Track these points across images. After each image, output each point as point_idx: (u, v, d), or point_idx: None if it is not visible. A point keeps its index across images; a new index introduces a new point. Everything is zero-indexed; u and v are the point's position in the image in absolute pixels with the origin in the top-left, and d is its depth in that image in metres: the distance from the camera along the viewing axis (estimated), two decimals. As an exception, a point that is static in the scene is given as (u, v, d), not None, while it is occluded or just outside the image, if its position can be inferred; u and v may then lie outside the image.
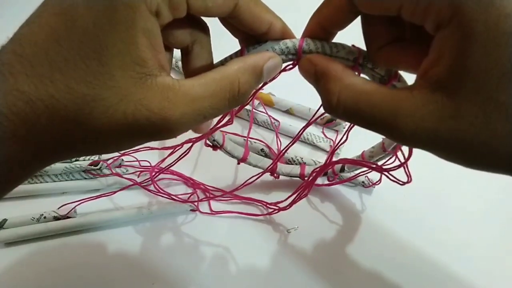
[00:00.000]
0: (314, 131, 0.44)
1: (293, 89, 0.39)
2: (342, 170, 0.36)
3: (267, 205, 0.38)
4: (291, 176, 0.38)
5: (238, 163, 0.36)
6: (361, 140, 0.33)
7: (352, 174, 0.38)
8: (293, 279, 0.35)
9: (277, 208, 0.37)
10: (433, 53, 0.18)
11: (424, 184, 0.38)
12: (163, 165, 0.39)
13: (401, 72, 0.23)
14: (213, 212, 0.38)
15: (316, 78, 0.21)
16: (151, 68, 0.18)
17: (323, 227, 0.38)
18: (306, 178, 0.37)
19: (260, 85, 0.25)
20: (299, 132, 0.32)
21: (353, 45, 0.22)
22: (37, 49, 0.17)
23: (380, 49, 0.21)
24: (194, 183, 0.40)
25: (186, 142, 0.34)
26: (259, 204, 0.39)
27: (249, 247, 0.37)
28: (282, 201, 0.37)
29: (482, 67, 0.16)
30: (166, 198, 0.38)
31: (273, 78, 0.24)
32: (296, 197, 0.36)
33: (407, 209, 0.39)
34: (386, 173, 0.31)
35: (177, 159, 0.35)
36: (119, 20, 0.17)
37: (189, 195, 0.39)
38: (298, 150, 0.43)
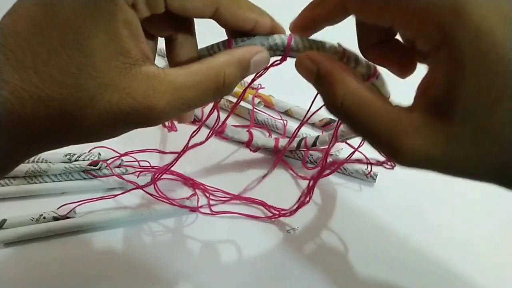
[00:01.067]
0: (312, 134, 0.44)
1: (293, 91, 0.39)
2: (314, 144, 0.36)
3: (269, 209, 0.38)
4: (266, 148, 0.39)
5: (216, 134, 0.37)
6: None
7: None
8: (294, 279, 0.35)
9: (277, 214, 0.37)
10: (428, 75, 0.18)
11: (427, 181, 0.39)
12: (162, 162, 0.39)
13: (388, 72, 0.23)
14: (213, 213, 0.38)
15: (318, 77, 0.21)
16: (135, 57, 0.18)
17: (323, 226, 0.38)
18: (278, 151, 0.38)
19: (251, 81, 0.25)
20: (295, 131, 0.33)
21: (338, 44, 0.22)
22: (19, 39, 0.17)
23: (369, 47, 0.22)
24: (194, 183, 0.40)
25: (191, 147, 0.34)
26: (261, 206, 0.39)
27: (249, 247, 0.37)
28: (286, 210, 0.37)
29: (473, 94, 0.16)
30: (166, 202, 0.37)
31: (261, 74, 0.24)
32: (299, 203, 0.36)
33: (409, 206, 0.39)
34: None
35: (175, 158, 0.35)
36: (100, 12, 0.17)
37: (189, 195, 0.39)
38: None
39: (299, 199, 0.36)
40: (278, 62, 0.23)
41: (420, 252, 0.37)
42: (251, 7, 0.21)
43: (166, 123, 0.44)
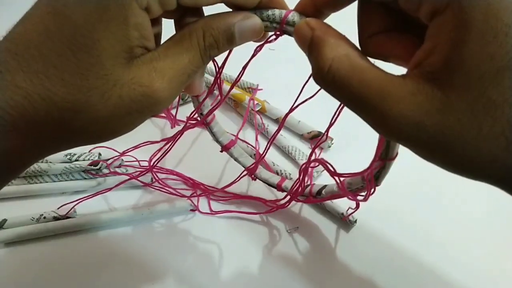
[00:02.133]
0: (301, 147, 0.43)
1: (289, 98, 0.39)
2: (319, 193, 0.34)
3: (266, 203, 0.38)
4: (268, 184, 0.37)
5: (221, 151, 0.36)
6: (345, 160, 0.32)
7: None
8: (294, 279, 0.35)
9: (275, 206, 0.37)
10: (427, 42, 0.17)
11: (421, 188, 0.38)
12: (162, 162, 0.39)
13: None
14: (213, 212, 0.38)
15: (311, 43, 0.20)
16: (136, 51, 0.19)
17: (324, 226, 0.38)
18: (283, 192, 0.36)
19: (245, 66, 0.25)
20: (273, 134, 0.33)
21: None
22: (31, 46, 0.18)
23: (371, 37, 0.21)
24: (194, 183, 0.40)
25: (181, 132, 0.33)
26: (258, 202, 0.39)
27: (250, 247, 0.37)
28: (281, 199, 0.37)
29: (477, 61, 0.15)
30: (165, 192, 0.37)
31: (256, 52, 0.24)
32: (293, 195, 0.35)
33: (404, 212, 0.39)
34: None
35: (171, 143, 0.35)
36: (111, 17, 0.18)
37: (189, 194, 0.39)
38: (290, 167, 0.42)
39: (291, 188, 0.35)
40: (274, 38, 0.23)
41: (416, 256, 0.37)
42: None
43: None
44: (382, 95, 0.17)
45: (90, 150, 0.40)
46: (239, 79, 0.28)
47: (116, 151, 0.41)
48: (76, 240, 0.36)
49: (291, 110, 0.28)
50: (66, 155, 0.39)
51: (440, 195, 0.40)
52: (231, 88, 0.30)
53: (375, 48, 0.21)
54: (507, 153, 0.16)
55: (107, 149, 0.41)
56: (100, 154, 0.39)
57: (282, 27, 0.22)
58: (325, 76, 0.19)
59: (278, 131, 0.32)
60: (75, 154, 0.39)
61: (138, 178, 0.39)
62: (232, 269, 0.35)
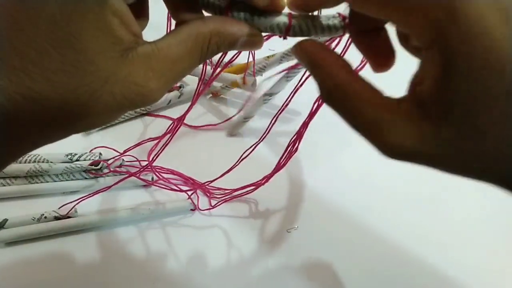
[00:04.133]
0: None
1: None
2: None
3: (256, 184, 0.38)
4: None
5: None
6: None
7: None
8: (294, 279, 0.35)
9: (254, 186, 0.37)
10: (419, 70, 0.18)
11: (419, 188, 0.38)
12: (162, 162, 0.39)
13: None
14: (212, 207, 0.38)
15: (310, 67, 0.21)
16: (128, 42, 0.18)
17: (324, 226, 0.38)
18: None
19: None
20: None
21: (338, 13, 0.22)
22: (3, 41, 0.16)
23: (358, 34, 0.21)
24: (194, 183, 0.40)
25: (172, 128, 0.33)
26: (247, 188, 0.39)
27: (250, 246, 0.37)
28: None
29: (463, 95, 0.16)
30: (165, 188, 0.37)
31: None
32: (287, 155, 0.35)
33: (402, 213, 0.39)
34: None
35: (168, 138, 0.35)
36: (87, 6, 0.17)
37: (189, 194, 0.39)
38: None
39: (287, 148, 0.35)
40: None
41: (418, 250, 0.37)
42: None
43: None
44: (379, 119, 0.18)
45: (91, 150, 0.40)
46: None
47: (116, 151, 0.41)
48: (76, 240, 0.36)
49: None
50: (67, 155, 0.39)
51: (438, 196, 0.40)
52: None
53: (358, 44, 0.22)
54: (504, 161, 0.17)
55: (107, 149, 0.41)
56: (101, 154, 0.39)
57: (287, 36, 0.22)
58: (329, 102, 0.20)
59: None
60: (76, 154, 0.39)
61: (139, 176, 0.39)
62: (232, 269, 0.36)
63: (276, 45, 0.25)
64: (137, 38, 0.19)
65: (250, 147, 0.36)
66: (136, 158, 0.41)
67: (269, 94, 0.41)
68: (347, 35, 0.23)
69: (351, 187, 0.41)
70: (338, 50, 0.26)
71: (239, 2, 0.22)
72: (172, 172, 0.40)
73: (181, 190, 0.38)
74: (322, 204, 0.40)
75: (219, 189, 0.40)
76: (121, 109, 0.19)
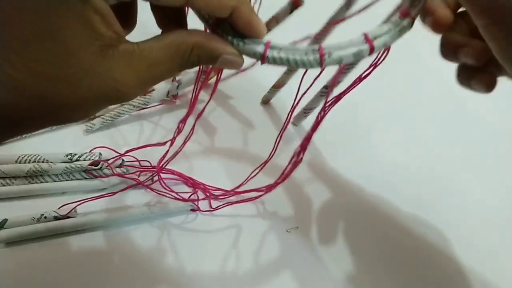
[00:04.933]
0: None
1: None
2: None
3: (258, 191, 0.38)
4: None
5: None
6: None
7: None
8: (295, 279, 0.35)
9: (264, 189, 0.37)
10: None
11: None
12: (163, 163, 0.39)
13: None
14: (213, 209, 0.38)
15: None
16: (110, 39, 0.19)
17: (324, 226, 0.38)
18: None
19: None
20: None
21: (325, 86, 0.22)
22: None
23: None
24: (194, 183, 0.40)
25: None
26: (255, 192, 0.38)
27: (250, 246, 0.37)
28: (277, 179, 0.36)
29: None
30: (170, 197, 0.37)
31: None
32: (292, 166, 0.35)
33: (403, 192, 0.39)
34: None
35: (181, 145, 0.34)
36: (70, 2, 0.17)
37: (189, 194, 0.39)
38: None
39: (291, 160, 0.35)
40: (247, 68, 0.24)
41: (425, 239, 0.37)
42: None
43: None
44: None
45: (91, 150, 0.40)
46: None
47: (116, 151, 0.41)
48: (76, 240, 0.36)
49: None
50: (67, 155, 0.39)
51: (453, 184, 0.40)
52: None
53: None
54: None
55: (107, 149, 0.41)
56: (100, 154, 0.39)
57: (263, 62, 0.22)
58: None
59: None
60: (75, 154, 0.39)
61: (140, 179, 0.39)
62: (232, 269, 0.36)
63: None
64: (119, 36, 0.19)
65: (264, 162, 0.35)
66: (136, 158, 0.41)
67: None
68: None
69: (351, 187, 0.41)
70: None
71: (225, 22, 0.22)
72: (172, 172, 0.40)
73: (183, 199, 0.38)
74: (322, 204, 0.40)
75: (219, 189, 0.40)
76: (97, 103, 0.20)
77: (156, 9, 0.23)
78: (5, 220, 0.36)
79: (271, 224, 0.38)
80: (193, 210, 0.38)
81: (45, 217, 0.36)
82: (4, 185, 0.38)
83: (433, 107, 0.49)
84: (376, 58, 0.25)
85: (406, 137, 0.46)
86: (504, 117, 0.49)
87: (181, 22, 0.23)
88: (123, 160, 0.40)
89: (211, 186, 0.40)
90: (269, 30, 0.38)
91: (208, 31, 0.23)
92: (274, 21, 0.35)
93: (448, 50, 0.25)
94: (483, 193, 0.42)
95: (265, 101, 0.47)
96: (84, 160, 0.39)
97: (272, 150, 0.35)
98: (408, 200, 0.41)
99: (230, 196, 0.39)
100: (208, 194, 0.39)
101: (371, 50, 0.22)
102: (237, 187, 0.38)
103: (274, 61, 0.22)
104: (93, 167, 0.38)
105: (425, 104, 0.49)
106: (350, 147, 0.44)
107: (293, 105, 0.29)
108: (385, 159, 0.43)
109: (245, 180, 0.37)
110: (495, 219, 0.40)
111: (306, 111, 0.43)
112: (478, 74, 0.25)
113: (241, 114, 0.46)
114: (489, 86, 0.25)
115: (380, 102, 0.48)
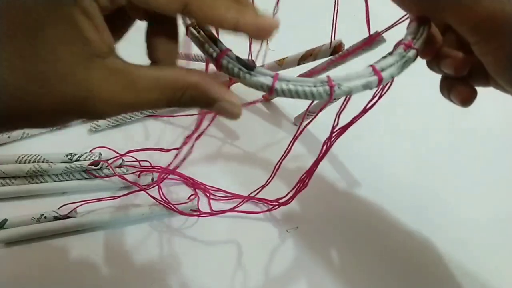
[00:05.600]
0: None
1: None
2: None
3: (268, 202, 0.38)
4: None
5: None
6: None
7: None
8: (295, 279, 0.35)
9: (277, 204, 0.37)
10: None
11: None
12: (162, 162, 0.39)
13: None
14: (213, 212, 0.38)
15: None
16: (98, 48, 0.18)
17: (324, 226, 0.38)
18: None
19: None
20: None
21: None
22: None
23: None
24: (194, 183, 0.40)
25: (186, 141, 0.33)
26: (260, 202, 0.39)
27: (250, 246, 0.37)
28: (282, 197, 0.37)
29: None
30: (167, 207, 0.37)
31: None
32: (296, 190, 0.36)
33: (407, 196, 0.39)
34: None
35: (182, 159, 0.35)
36: (61, 1, 0.17)
37: (189, 195, 0.39)
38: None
39: (296, 184, 0.35)
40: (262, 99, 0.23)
41: (425, 245, 0.37)
42: (228, 5, 0.19)
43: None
44: None
45: (91, 150, 0.40)
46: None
47: (116, 151, 0.41)
48: (76, 240, 0.36)
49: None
50: (67, 155, 0.39)
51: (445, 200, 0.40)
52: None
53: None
54: None
55: (107, 149, 0.41)
56: (100, 154, 0.39)
57: (271, 95, 0.22)
58: None
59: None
60: (75, 154, 0.39)
61: (140, 179, 0.39)
62: (232, 269, 0.36)
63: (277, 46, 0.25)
64: (109, 48, 0.19)
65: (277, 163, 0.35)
66: (136, 158, 0.41)
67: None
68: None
69: (351, 187, 0.41)
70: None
71: (231, 54, 0.21)
72: (172, 172, 0.40)
73: (180, 212, 0.38)
74: (322, 205, 0.40)
75: (219, 190, 0.40)
76: (66, 112, 0.18)
77: (145, 17, 0.21)
78: (5, 220, 0.36)
79: (271, 224, 0.38)
80: (193, 210, 0.38)
81: (45, 217, 0.36)
82: (4, 185, 0.38)
83: (429, 117, 0.49)
84: (380, 89, 0.26)
85: (405, 142, 0.46)
86: (501, 123, 0.49)
87: (173, 38, 0.21)
88: (123, 160, 0.40)
89: (211, 186, 0.40)
90: (302, 63, 0.38)
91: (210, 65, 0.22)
92: (311, 57, 0.34)
93: (432, 61, 0.25)
94: (482, 195, 0.42)
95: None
96: (84, 160, 0.39)
97: (280, 159, 0.35)
98: (408, 201, 0.41)
99: (231, 199, 0.39)
100: (208, 195, 0.39)
101: (380, 82, 0.22)
102: (239, 197, 0.38)
103: (283, 93, 0.21)
104: (93, 167, 0.38)
105: (423, 113, 0.50)
106: (351, 148, 0.44)
107: (333, 125, 0.30)
108: (385, 160, 0.43)
109: (260, 187, 0.37)
110: (494, 221, 0.40)
111: (310, 113, 0.43)
112: (457, 86, 0.25)
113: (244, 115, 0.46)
114: (465, 99, 0.25)
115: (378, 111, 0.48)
